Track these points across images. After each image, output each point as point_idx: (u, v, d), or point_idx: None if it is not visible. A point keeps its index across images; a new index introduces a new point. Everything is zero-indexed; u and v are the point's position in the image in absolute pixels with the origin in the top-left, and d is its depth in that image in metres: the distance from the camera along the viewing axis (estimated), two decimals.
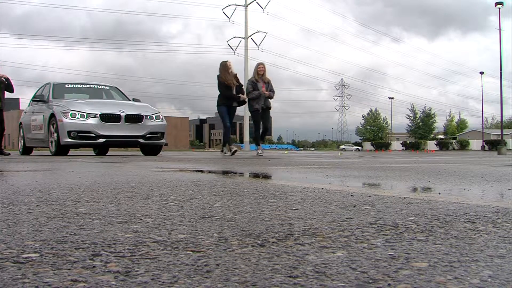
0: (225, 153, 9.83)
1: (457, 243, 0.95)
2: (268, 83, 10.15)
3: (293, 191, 1.99)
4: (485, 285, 0.67)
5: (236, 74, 10.22)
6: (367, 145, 73.41)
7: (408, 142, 73.22)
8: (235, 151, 9.90)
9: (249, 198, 1.74)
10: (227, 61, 9.98)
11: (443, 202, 1.62)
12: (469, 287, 0.66)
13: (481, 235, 1.03)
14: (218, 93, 9.71)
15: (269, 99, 10.21)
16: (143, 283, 0.68)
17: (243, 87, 10.27)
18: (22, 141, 11.02)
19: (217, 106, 10.03)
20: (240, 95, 9.98)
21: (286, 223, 1.20)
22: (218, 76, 9.72)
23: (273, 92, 10.29)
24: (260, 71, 10.06)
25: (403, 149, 66.30)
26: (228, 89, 9.77)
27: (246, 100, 10.10)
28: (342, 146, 75.29)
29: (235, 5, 49.05)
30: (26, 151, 10.96)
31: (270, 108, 10.23)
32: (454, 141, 68.69)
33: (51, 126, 9.19)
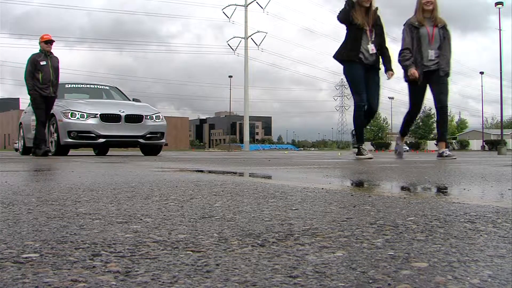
0: (359, 153, 6.26)
1: (457, 243, 0.95)
2: (443, 29, 6.22)
3: (293, 191, 1.99)
4: (485, 285, 0.67)
5: (376, 9, 6.10)
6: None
7: (408, 142, 73.17)
8: (370, 157, 6.32)
9: (248, 198, 1.74)
10: None
11: (443, 202, 1.62)
12: (469, 287, 0.66)
13: (481, 235, 1.03)
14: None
15: (447, 58, 6.20)
16: (143, 283, 0.68)
17: (385, 35, 6.23)
18: (22, 141, 11.03)
19: (343, 63, 6.05)
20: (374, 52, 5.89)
21: (286, 223, 1.20)
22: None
23: (447, 47, 6.16)
24: (426, 5, 6.07)
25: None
26: (358, 34, 5.90)
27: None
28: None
29: (235, 5, 49.18)
30: (26, 151, 10.96)
31: (447, 74, 6.21)
32: (454, 141, 68.69)
33: (51, 126, 9.19)
